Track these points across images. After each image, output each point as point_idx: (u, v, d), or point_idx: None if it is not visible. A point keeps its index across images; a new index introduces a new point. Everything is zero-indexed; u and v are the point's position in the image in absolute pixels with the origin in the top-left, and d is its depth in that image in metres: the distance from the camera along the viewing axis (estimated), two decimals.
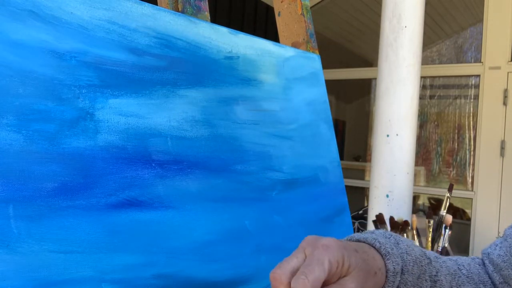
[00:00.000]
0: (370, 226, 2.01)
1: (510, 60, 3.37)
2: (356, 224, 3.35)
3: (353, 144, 4.46)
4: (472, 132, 3.66)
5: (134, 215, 0.48)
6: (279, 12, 0.87)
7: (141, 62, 0.52)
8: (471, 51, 3.75)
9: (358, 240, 0.51)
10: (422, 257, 0.53)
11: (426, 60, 3.80)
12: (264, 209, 0.63)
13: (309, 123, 0.76)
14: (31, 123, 0.41)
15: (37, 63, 0.43)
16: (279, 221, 0.65)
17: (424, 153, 3.92)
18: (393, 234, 0.55)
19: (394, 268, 0.49)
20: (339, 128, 4.49)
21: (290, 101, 0.72)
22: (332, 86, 3.96)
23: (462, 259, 0.62)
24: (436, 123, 3.94)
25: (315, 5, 3.96)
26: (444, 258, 0.60)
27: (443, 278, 0.55)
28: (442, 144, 3.89)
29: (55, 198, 0.42)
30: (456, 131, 3.80)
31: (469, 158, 3.65)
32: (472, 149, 3.62)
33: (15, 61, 0.41)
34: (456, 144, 3.80)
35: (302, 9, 0.84)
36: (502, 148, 3.34)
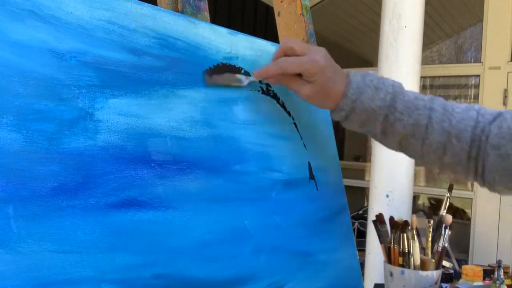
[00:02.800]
0: (370, 226, 2.01)
1: (510, 60, 3.37)
2: (356, 224, 3.35)
3: (353, 144, 4.45)
4: None
5: (134, 215, 0.48)
6: (279, 12, 0.87)
7: (140, 62, 0.52)
8: (471, 51, 3.75)
9: (348, 71, 0.65)
10: (380, 108, 0.63)
11: (426, 60, 3.80)
12: (263, 209, 0.63)
13: (309, 123, 0.76)
14: (31, 123, 0.41)
15: (37, 63, 0.43)
16: (278, 221, 0.65)
17: None
18: (371, 83, 0.64)
19: (342, 106, 0.64)
20: (339, 128, 4.49)
21: (289, 101, 0.72)
22: None
23: (459, 114, 0.64)
24: None
25: (315, 5, 3.96)
26: (437, 106, 0.64)
27: (400, 127, 0.64)
28: None
29: (55, 198, 0.42)
30: None
31: None
32: None
33: (15, 61, 0.41)
34: None
35: (302, 9, 0.84)
36: None
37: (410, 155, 0.68)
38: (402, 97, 0.64)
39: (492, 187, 0.65)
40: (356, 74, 0.65)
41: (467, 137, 0.63)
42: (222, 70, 0.62)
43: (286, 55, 0.64)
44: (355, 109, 0.63)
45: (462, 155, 0.63)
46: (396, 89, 0.65)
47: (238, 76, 0.62)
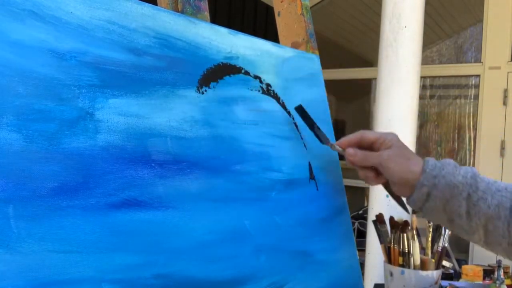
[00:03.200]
0: (370, 226, 2.01)
1: (510, 60, 3.37)
2: (356, 224, 3.35)
3: None
4: (472, 132, 3.65)
5: (134, 215, 0.48)
6: (279, 12, 0.87)
7: (141, 62, 0.52)
8: (471, 51, 3.75)
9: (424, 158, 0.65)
10: (463, 185, 0.60)
11: (426, 60, 3.80)
12: (263, 209, 0.63)
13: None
14: (31, 123, 0.41)
15: (37, 63, 0.43)
16: (278, 221, 0.65)
17: (424, 153, 3.92)
18: (449, 162, 0.64)
19: (422, 182, 0.62)
20: (339, 128, 4.48)
21: (289, 101, 0.72)
22: (332, 86, 3.96)
23: None
24: (436, 123, 3.94)
25: (315, 5, 3.96)
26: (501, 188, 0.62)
27: (484, 207, 0.60)
28: (442, 144, 3.89)
29: (55, 198, 0.42)
30: (456, 131, 3.80)
31: (469, 158, 3.65)
32: (472, 149, 3.62)
33: (15, 61, 0.41)
34: (456, 144, 3.80)
35: (302, 9, 0.84)
36: (502, 148, 3.34)
37: (496, 241, 0.61)
38: (482, 178, 0.62)
39: None
40: (432, 158, 0.64)
41: None
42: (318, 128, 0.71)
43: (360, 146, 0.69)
44: (437, 185, 0.61)
45: None
46: (474, 170, 0.63)
47: (331, 143, 0.71)
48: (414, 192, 0.62)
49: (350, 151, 0.68)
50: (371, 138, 0.68)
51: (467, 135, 3.70)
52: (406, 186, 0.64)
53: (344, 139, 0.69)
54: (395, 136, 0.67)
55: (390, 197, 0.72)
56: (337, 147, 0.70)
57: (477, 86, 3.59)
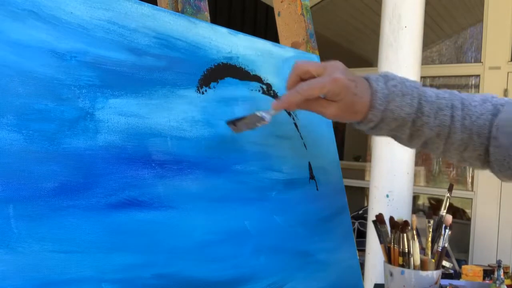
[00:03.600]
0: (370, 226, 2.01)
1: (510, 60, 3.37)
2: (356, 224, 3.35)
3: (353, 144, 4.46)
4: None
5: (134, 215, 0.48)
6: (279, 12, 0.87)
7: (141, 62, 0.52)
8: (471, 51, 3.75)
9: (368, 78, 0.63)
10: (409, 115, 0.62)
11: (426, 60, 3.80)
12: (263, 209, 0.63)
13: (309, 124, 0.76)
14: (31, 123, 0.41)
15: (37, 63, 0.43)
16: (278, 221, 0.65)
17: (424, 153, 3.92)
18: (396, 89, 0.63)
19: (371, 118, 0.61)
20: (339, 128, 4.49)
21: None
22: None
23: (478, 108, 0.65)
24: None
25: (315, 5, 3.96)
26: (457, 103, 0.64)
27: (427, 130, 0.63)
28: None
29: (55, 198, 0.42)
30: None
31: None
32: None
33: (15, 61, 0.41)
34: None
35: (302, 9, 0.84)
36: None
37: (431, 152, 0.69)
38: (426, 99, 0.63)
39: (498, 176, 0.67)
40: (378, 80, 0.62)
41: (485, 132, 0.63)
42: (242, 118, 0.60)
43: (302, 79, 0.61)
44: (385, 119, 0.62)
45: (481, 149, 0.64)
46: (419, 91, 0.64)
47: (259, 114, 0.59)
48: (361, 123, 0.63)
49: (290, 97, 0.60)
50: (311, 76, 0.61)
51: None
52: (355, 116, 0.62)
53: (283, 101, 0.60)
54: (342, 78, 0.59)
55: (390, 197, 0.72)
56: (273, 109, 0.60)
57: (477, 86, 3.59)
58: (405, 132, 0.64)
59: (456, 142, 0.64)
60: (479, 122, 0.64)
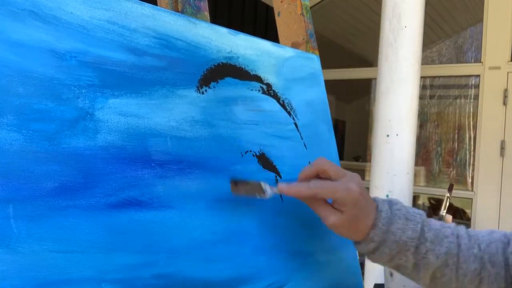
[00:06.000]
0: None
1: (510, 60, 3.38)
2: None
3: (353, 144, 4.46)
4: (472, 132, 3.66)
5: (134, 215, 0.48)
6: (279, 12, 0.87)
7: (141, 62, 0.52)
8: (471, 51, 3.75)
9: (376, 200, 0.61)
10: (412, 240, 0.59)
11: (426, 60, 3.80)
12: (263, 209, 0.63)
13: (309, 124, 0.76)
14: (31, 123, 0.41)
15: (37, 63, 0.43)
16: (278, 221, 0.65)
17: (424, 153, 3.92)
18: (399, 212, 0.60)
19: (372, 237, 0.59)
20: (339, 128, 4.49)
21: (289, 101, 0.72)
22: (332, 86, 3.96)
23: (485, 238, 0.62)
24: (436, 123, 3.94)
25: (315, 5, 3.96)
26: (462, 233, 0.61)
27: (433, 258, 0.59)
28: (442, 144, 3.90)
29: (55, 198, 0.42)
30: (456, 131, 3.81)
31: (469, 158, 3.65)
32: (472, 149, 3.62)
33: (15, 61, 0.41)
34: (456, 144, 3.80)
35: (302, 9, 0.84)
36: (502, 148, 3.34)
37: (443, 285, 0.62)
38: (429, 226, 0.60)
39: None
40: (384, 202, 0.61)
41: (500, 261, 0.60)
42: (245, 182, 0.59)
43: (318, 176, 0.60)
44: (386, 241, 0.59)
45: (500, 282, 0.60)
46: (423, 218, 0.61)
47: (263, 186, 0.58)
48: (361, 244, 0.60)
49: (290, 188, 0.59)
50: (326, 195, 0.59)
51: (467, 135, 3.70)
52: (356, 234, 0.60)
53: (292, 189, 0.59)
54: (355, 190, 0.58)
55: (390, 197, 0.71)
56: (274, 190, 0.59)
57: (477, 86, 3.59)
58: (409, 260, 0.60)
59: (469, 273, 0.59)
60: (490, 250, 0.60)
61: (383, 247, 0.59)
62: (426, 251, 0.59)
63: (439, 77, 3.89)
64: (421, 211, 0.62)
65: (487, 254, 0.60)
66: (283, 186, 0.59)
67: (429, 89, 3.92)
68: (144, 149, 0.50)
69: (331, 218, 0.58)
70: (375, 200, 0.61)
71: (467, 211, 3.63)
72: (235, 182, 0.59)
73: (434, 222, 0.62)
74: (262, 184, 0.58)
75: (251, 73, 0.67)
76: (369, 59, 4.15)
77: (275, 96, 0.70)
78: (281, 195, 0.66)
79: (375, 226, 0.59)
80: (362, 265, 0.84)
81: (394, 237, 0.59)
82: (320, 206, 0.59)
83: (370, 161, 2.32)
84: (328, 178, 0.59)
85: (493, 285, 0.60)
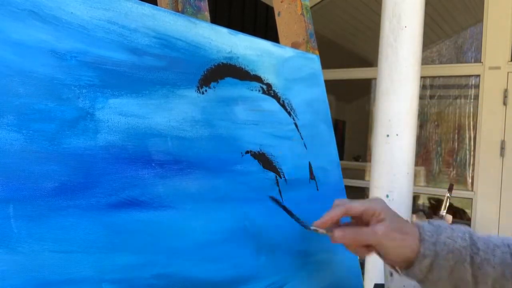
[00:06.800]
0: None
1: (510, 60, 3.37)
2: None
3: (353, 144, 4.46)
4: (472, 132, 3.65)
5: (134, 215, 0.48)
6: (279, 12, 0.87)
7: (141, 62, 0.52)
8: (471, 51, 3.75)
9: (414, 222, 0.60)
10: (465, 248, 0.56)
11: (426, 60, 3.80)
12: (263, 209, 0.63)
13: (309, 124, 0.76)
14: (32, 123, 0.41)
15: (37, 63, 0.43)
16: (278, 221, 0.65)
17: (424, 153, 3.92)
18: (443, 224, 0.59)
19: (423, 252, 0.56)
20: (339, 128, 4.48)
21: (289, 101, 0.72)
22: (332, 86, 3.96)
23: None
24: (436, 123, 3.94)
25: (315, 5, 3.96)
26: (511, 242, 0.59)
27: (489, 268, 0.56)
28: (442, 144, 3.89)
29: (55, 198, 0.42)
30: (456, 131, 3.80)
31: (469, 158, 3.65)
32: (472, 149, 3.62)
33: (15, 61, 0.41)
34: (456, 144, 3.80)
35: (302, 9, 0.84)
36: (502, 148, 3.34)
37: None
38: (477, 236, 0.58)
39: None
40: (421, 221, 0.59)
41: None
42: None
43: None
44: (439, 252, 0.55)
45: None
46: (468, 228, 0.59)
47: (321, 231, 0.60)
48: (415, 264, 0.57)
49: (339, 233, 0.58)
50: (357, 211, 0.59)
51: (467, 135, 3.70)
52: (405, 260, 0.58)
53: (327, 217, 0.59)
54: (383, 204, 0.59)
55: (390, 197, 0.71)
56: (321, 230, 0.60)
57: (477, 86, 3.59)
58: (467, 271, 0.56)
59: None
60: None
61: (438, 259, 0.56)
62: (481, 262, 0.56)
63: (439, 77, 3.88)
64: (465, 226, 0.60)
65: None
66: (338, 235, 0.58)
67: (429, 89, 3.92)
68: (144, 149, 0.50)
69: (377, 227, 0.57)
70: (413, 222, 0.59)
71: (467, 211, 3.63)
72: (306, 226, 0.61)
73: (478, 233, 0.60)
74: (320, 230, 0.60)
75: (251, 73, 0.67)
76: (369, 59, 4.14)
77: (275, 96, 0.70)
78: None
79: (423, 240, 0.56)
80: (362, 265, 0.84)
81: (447, 247, 0.56)
82: (360, 249, 0.59)
83: (370, 161, 2.32)
84: (358, 216, 0.59)
85: None
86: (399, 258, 0.57)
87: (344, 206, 0.59)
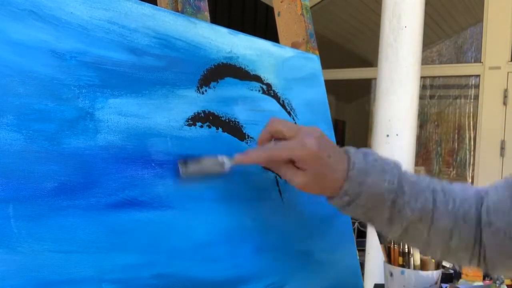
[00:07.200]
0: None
1: (510, 60, 3.38)
2: (356, 224, 3.35)
3: (353, 144, 4.44)
4: (472, 132, 3.66)
5: (134, 215, 0.48)
6: (279, 12, 0.87)
7: (141, 62, 0.52)
8: (471, 51, 3.76)
9: (347, 151, 0.58)
10: (389, 193, 0.56)
11: (426, 60, 3.80)
12: (263, 209, 0.63)
13: (308, 124, 0.76)
14: (31, 123, 0.41)
15: (37, 63, 0.43)
16: (278, 221, 0.65)
17: (424, 153, 3.92)
18: (376, 161, 0.57)
19: (346, 191, 0.55)
20: (339, 128, 4.49)
21: (289, 101, 0.72)
22: (332, 86, 3.96)
23: (460, 194, 0.59)
24: (436, 123, 3.94)
25: (315, 5, 3.96)
26: (438, 187, 0.59)
27: (408, 212, 0.57)
28: (442, 144, 3.90)
29: (55, 198, 0.42)
30: (456, 131, 3.81)
31: (469, 158, 3.65)
32: (472, 149, 3.62)
33: (15, 61, 0.41)
34: (456, 144, 3.80)
35: (302, 9, 0.85)
36: (502, 148, 3.34)
37: (413, 243, 0.61)
38: (406, 179, 0.57)
39: (493, 269, 0.60)
40: (357, 152, 0.57)
41: (472, 218, 0.58)
42: (197, 159, 0.55)
43: (274, 137, 0.57)
44: (361, 193, 0.55)
45: (469, 238, 0.58)
46: (399, 170, 0.58)
47: (220, 159, 0.55)
48: (334, 197, 0.57)
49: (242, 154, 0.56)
50: (279, 130, 0.56)
51: (467, 135, 3.70)
52: (327, 189, 0.57)
53: (246, 156, 0.56)
54: (318, 128, 0.56)
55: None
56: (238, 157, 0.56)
57: (477, 86, 3.59)
58: (384, 214, 0.57)
59: (441, 228, 0.58)
60: (464, 207, 0.58)
61: (358, 200, 0.56)
62: (403, 205, 0.56)
63: (439, 77, 3.89)
64: (397, 162, 0.59)
65: (461, 210, 0.58)
66: (239, 157, 0.56)
67: (429, 89, 3.93)
68: (144, 149, 0.50)
69: (295, 179, 0.55)
70: (347, 151, 0.57)
71: None
72: (185, 162, 0.53)
73: (410, 174, 0.59)
74: (220, 157, 0.55)
75: (251, 73, 0.67)
76: (369, 59, 4.15)
77: (275, 96, 0.70)
78: (280, 194, 0.66)
79: (349, 178, 0.55)
80: (362, 265, 0.85)
81: (370, 190, 0.55)
82: (284, 168, 0.56)
83: None
84: (284, 138, 0.56)
85: (463, 241, 0.58)
86: (318, 186, 0.56)
87: (266, 153, 0.56)
